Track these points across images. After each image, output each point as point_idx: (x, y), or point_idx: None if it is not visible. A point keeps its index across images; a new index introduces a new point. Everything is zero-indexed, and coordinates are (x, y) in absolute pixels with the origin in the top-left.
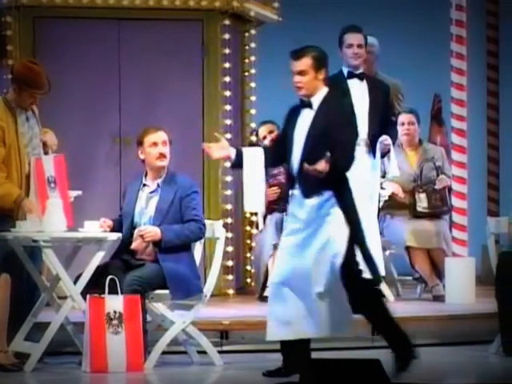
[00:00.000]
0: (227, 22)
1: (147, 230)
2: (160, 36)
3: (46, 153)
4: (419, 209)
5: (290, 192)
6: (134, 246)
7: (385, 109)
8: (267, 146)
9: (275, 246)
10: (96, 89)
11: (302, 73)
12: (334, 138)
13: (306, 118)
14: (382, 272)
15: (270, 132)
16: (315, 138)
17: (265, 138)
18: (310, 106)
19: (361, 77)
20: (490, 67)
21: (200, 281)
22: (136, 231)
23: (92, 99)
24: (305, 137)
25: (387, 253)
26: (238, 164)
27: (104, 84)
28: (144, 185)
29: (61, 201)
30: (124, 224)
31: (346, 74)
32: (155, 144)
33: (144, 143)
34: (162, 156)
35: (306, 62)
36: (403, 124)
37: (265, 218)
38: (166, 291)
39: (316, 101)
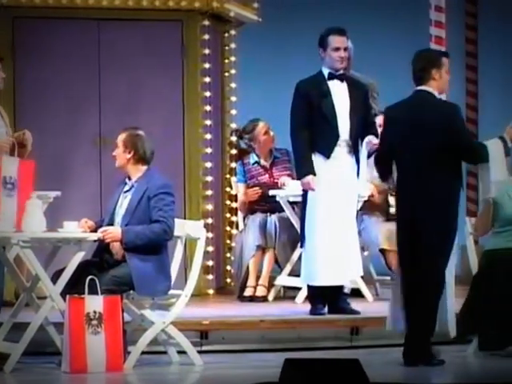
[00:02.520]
0: (207, 22)
1: (107, 231)
2: (140, 36)
3: (21, 155)
4: (392, 211)
5: None
6: (111, 246)
7: (364, 109)
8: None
9: (259, 248)
10: (76, 89)
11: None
12: None
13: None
14: (361, 272)
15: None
16: None
17: (266, 133)
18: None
19: (341, 78)
20: (468, 68)
21: (169, 282)
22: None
23: (72, 100)
24: None
25: (365, 253)
26: None
27: (84, 84)
28: (125, 184)
29: (40, 202)
30: (104, 222)
31: (326, 75)
32: (116, 145)
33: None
34: (113, 157)
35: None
36: (380, 126)
37: (244, 218)
38: None
39: None
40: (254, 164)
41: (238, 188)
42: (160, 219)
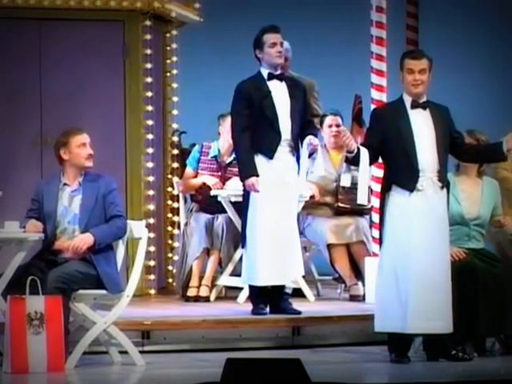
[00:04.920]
0: (148, 22)
1: (79, 241)
2: (81, 36)
3: None
4: (340, 204)
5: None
6: (57, 245)
7: (304, 108)
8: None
9: (204, 249)
10: (17, 89)
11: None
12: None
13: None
14: (303, 271)
15: None
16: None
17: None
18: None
19: (280, 78)
20: None
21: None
22: (69, 246)
23: (13, 100)
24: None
25: (307, 253)
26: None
27: (25, 84)
28: (64, 184)
29: None
30: (47, 224)
31: (265, 75)
32: (84, 145)
33: (71, 143)
34: (90, 156)
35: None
36: (331, 126)
37: (189, 210)
38: (88, 291)
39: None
40: (212, 157)
41: (186, 171)
42: (118, 214)
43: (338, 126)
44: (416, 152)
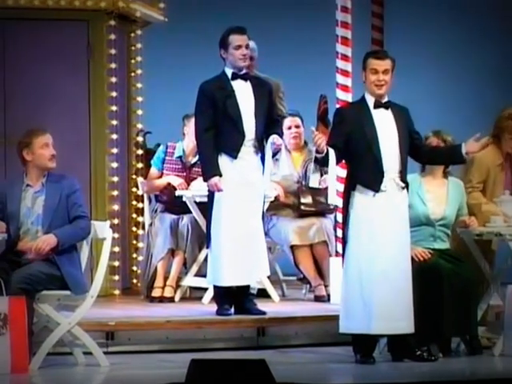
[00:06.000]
0: (113, 22)
1: (41, 242)
2: (45, 36)
3: None
4: (303, 207)
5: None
6: (20, 246)
7: (269, 108)
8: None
9: (169, 250)
10: None
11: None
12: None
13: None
14: (268, 272)
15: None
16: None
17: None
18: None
19: (245, 77)
20: None
21: (85, 278)
22: (32, 247)
23: None
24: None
25: (272, 254)
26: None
27: None
28: (27, 185)
29: None
30: (11, 225)
31: (229, 75)
32: (47, 145)
33: (33, 144)
34: (53, 157)
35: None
36: (290, 128)
37: (153, 210)
38: (52, 292)
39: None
40: (177, 157)
41: (151, 171)
42: (82, 214)
43: (297, 127)
44: (381, 152)
